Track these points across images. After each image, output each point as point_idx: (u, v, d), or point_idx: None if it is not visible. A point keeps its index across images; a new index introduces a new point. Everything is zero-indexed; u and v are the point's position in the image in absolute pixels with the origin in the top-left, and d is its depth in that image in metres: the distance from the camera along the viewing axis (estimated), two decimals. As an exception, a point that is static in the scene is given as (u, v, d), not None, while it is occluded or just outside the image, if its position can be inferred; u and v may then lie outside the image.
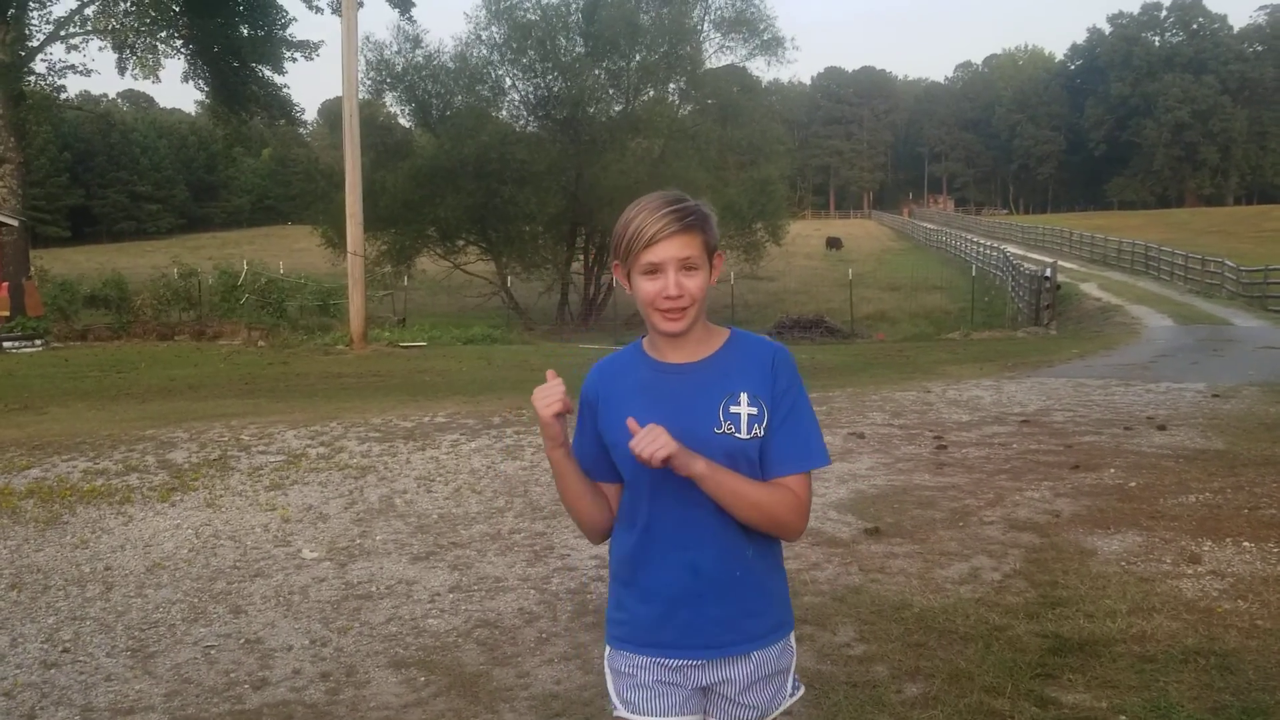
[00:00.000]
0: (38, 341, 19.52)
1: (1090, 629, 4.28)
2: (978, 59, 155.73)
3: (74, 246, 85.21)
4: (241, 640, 4.53)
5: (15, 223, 24.86)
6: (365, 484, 7.61)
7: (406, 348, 18.31)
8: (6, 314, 20.71)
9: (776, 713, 2.02)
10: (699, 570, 1.94)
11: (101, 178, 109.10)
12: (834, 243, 65.25)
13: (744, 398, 1.92)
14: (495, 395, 12.50)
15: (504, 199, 32.34)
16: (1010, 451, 8.44)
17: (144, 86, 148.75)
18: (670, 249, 1.89)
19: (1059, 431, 9.43)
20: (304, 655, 4.35)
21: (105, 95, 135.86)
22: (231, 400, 12.24)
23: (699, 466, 1.84)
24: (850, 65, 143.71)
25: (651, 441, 1.81)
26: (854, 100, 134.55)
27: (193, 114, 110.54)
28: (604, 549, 2.16)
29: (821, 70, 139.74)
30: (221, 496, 7.25)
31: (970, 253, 55.00)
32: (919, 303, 40.07)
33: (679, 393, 1.97)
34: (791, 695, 2.05)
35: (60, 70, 32.55)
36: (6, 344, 18.95)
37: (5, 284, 21.32)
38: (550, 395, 2.03)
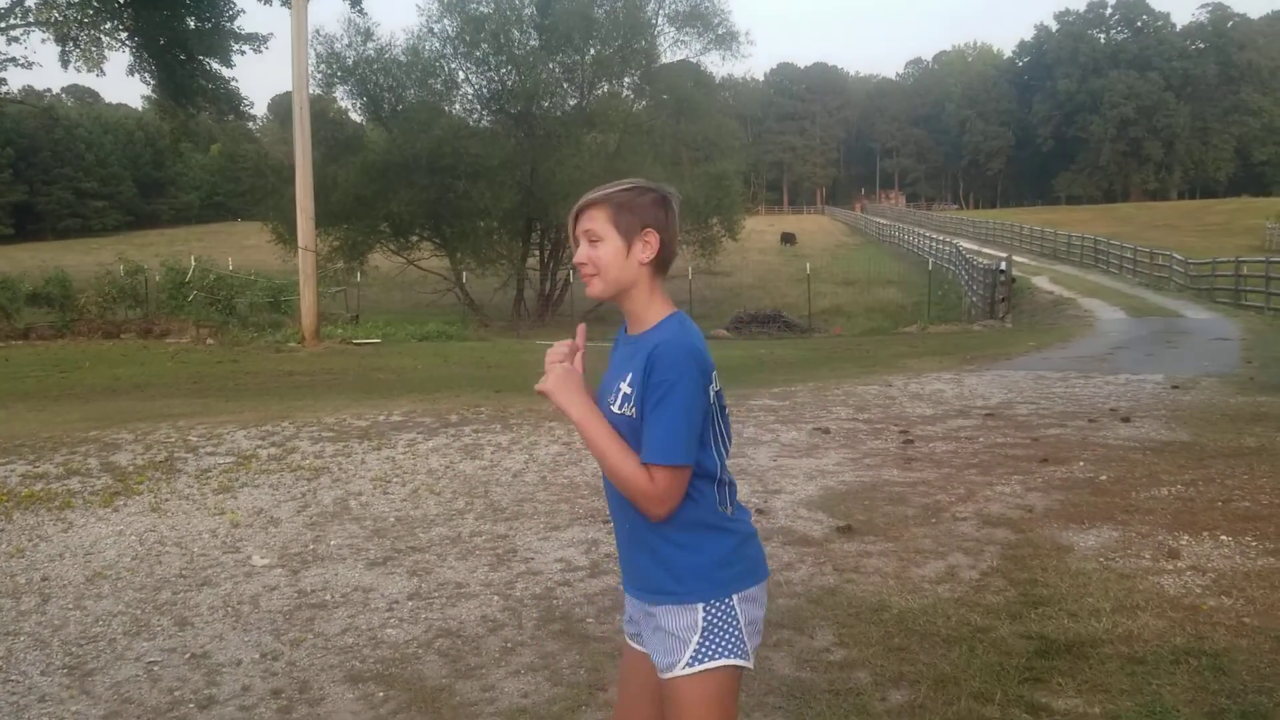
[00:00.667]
0: (-30, 343, 18.95)
1: (1076, 629, 4.15)
2: (928, 56, 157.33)
3: (17, 244, 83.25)
4: (187, 655, 4.27)
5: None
6: (318, 486, 7.34)
7: (360, 345, 17.97)
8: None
9: (673, 673, 2.09)
10: (622, 520, 2.20)
11: (45, 174, 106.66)
12: (788, 238, 65.43)
13: (629, 377, 2.08)
14: (452, 392, 12.24)
15: (458, 194, 31.98)
16: (977, 445, 8.34)
17: (89, 81, 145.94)
18: (581, 223, 2.15)
19: (1024, 425, 9.36)
20: (254, 670, 4.10)
21: (49, 90, 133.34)
22: (179, 400, 11.86)
23: (574, 411, 2.10)
24: (803, 61, 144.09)
25: (544, 377, 2.17)
26: (806, 96, 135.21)
27: (139, 109, 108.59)
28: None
29: (774, 66, 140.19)
30: (167, 501, 6.94)
31: (924, 248, 55.43)
32: (874, 297, 40.26)
33: (614, 361, 2.21)
34: (688, 666, 2.08)
35: (-1, 63, 31.23)
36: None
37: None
38: (557, 347, 2.24)
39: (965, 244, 48.52)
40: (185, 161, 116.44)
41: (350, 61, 36.37)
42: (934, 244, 53.69)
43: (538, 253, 37.36)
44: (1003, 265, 22.76)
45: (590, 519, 6.18)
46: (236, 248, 52.71)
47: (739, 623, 2.09)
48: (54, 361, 16.11)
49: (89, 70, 34.46)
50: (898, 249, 61.82)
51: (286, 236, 35.80)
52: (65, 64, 33.50)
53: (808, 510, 6.33)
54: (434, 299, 35.55)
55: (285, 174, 36.15)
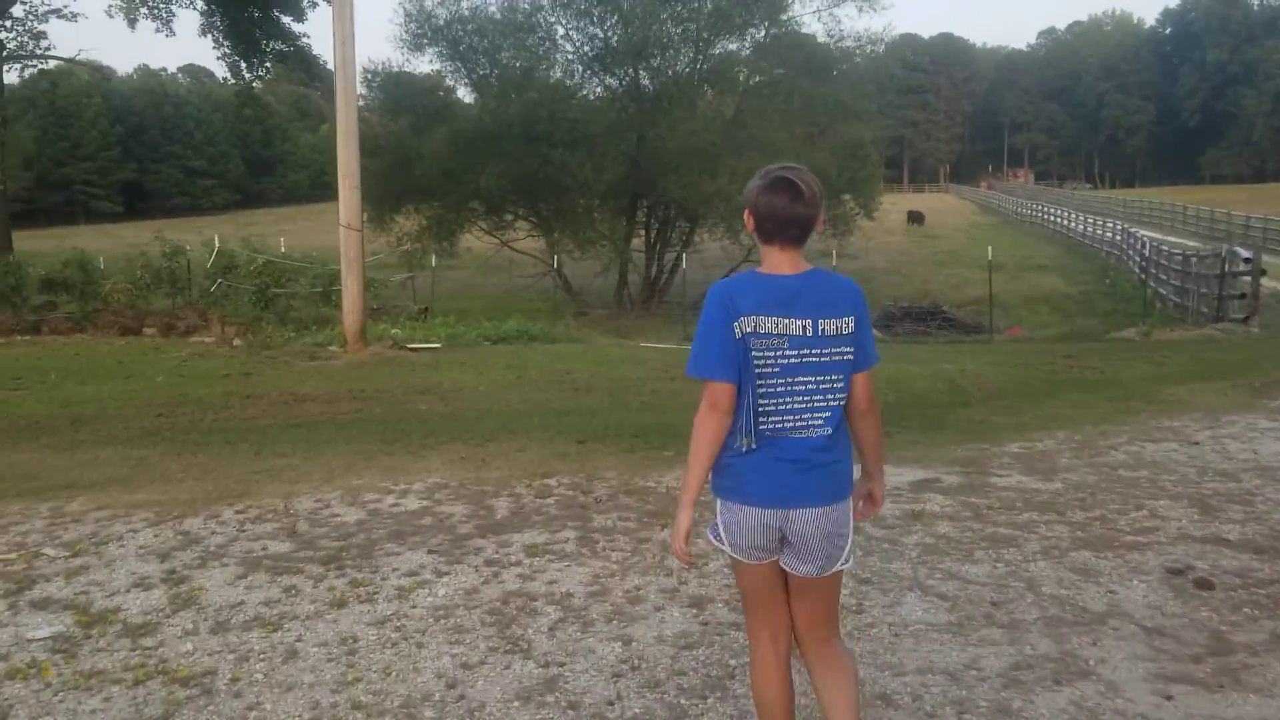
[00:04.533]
0: (-42, 338, 15.67)
1: None
2: (1061, 25, 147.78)
3: (126, 222, 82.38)
4: None
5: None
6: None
7: (415, 350, 14.03)
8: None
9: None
10: None
11: (154, 152, 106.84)
12: (915, 217, 59.98)
13: None
14: (514, 440, 8.15)
15: (555, 166, 27.90)
16: None
17: (205, 61, 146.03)
18: None
19: None
20: None
21: (164, 69, 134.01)
22: (113, 449, 8.03)
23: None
24: (927, 32, 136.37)
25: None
26: (930, 68, 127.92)
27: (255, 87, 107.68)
28: None
29: (896, 36, 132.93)
30: None
31: (1074, 229, 49.61)
32: (1029, 284, 34.92)
33: None
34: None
35: (42, 15, 28.33)
36: (-85, 342, 15.10)
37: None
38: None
39: (1121, 225, 42.62)
40: (294, 141, 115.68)
41: (442, 21, 32.59)
42: (1085, 225, 47.91)
43: (643, 233, 33.11)
44: (1245, 254, 17.68)
45: None
46: (333, 226, 49.78)
47: (717, 515, 2.80)
48: (17, 369, 12.54)
49: (159, 30, 31.45)
50: (1041, 230, 55.95)
51: (370, 213, 32.37)
52: (132, 22, 30.48)
53: None
54: (529, 283, 31.67)
55: (368, 145, 32.66)
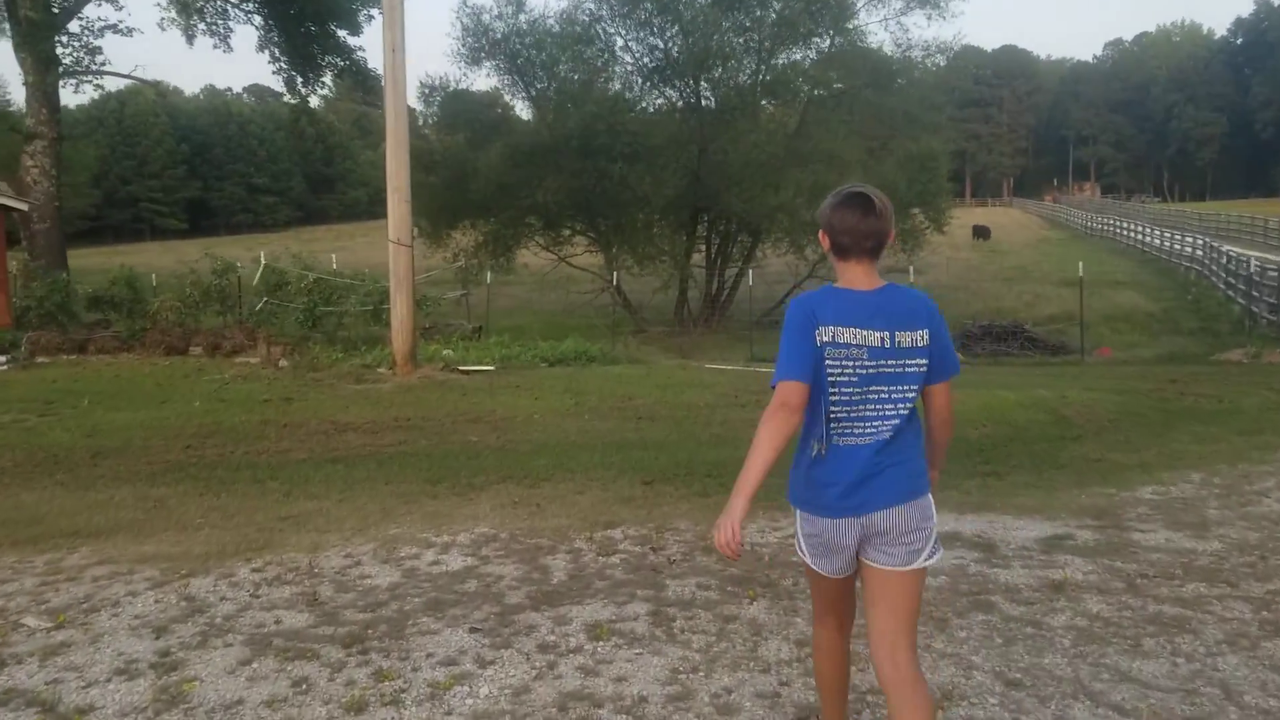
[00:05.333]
0: (1, 358, 15.13)
1: None
2: (1128, 36, 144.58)
3: (191, 239, 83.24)
4: None
5: (25, 207, 20.71)
6: None
7: (467, 372, 13.22)
8: (-13, 322, 16.48)
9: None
10: None
11: (219, 170, 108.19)
12: (981, 232, 58.35)
13: None
14: (572, 479, 7.27)
15: (613, 180, 27.10)
16: None
17: (269, 80, 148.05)
18: None
19: None
20: None
21: (229, 89, 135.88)
22: (131, 488, 7.28)
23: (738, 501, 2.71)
24: (989, 44, 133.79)
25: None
26: (993, 81, 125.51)
27: (316, 105, 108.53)
28: None
29: (958, 49, 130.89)
30: None
31: (1148, 243, 47.75)
32: (1107, 301, 33.39)
33: None
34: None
35: (98, 30, 28.14)
36: (-46, 362, 14.62)
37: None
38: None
39: (1204, 240, 40.79)
40: (355, 159, 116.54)
41: (499, 34, 32.04)
42: (1162, 239, 46.05)
43: (704, 248, 32.15)
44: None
45: None
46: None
47: (798, 526, 2.90)
48: (54, 391, 11.97)
49: (216, 46, 31.22)
50: (1112, 244, 54.01)
51: (428, 230, 31.89)
52: (190, 39, 30.23)
53: None
54: (588, 299, 30.90)
55: (425, 161, 32.20)
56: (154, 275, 20.58)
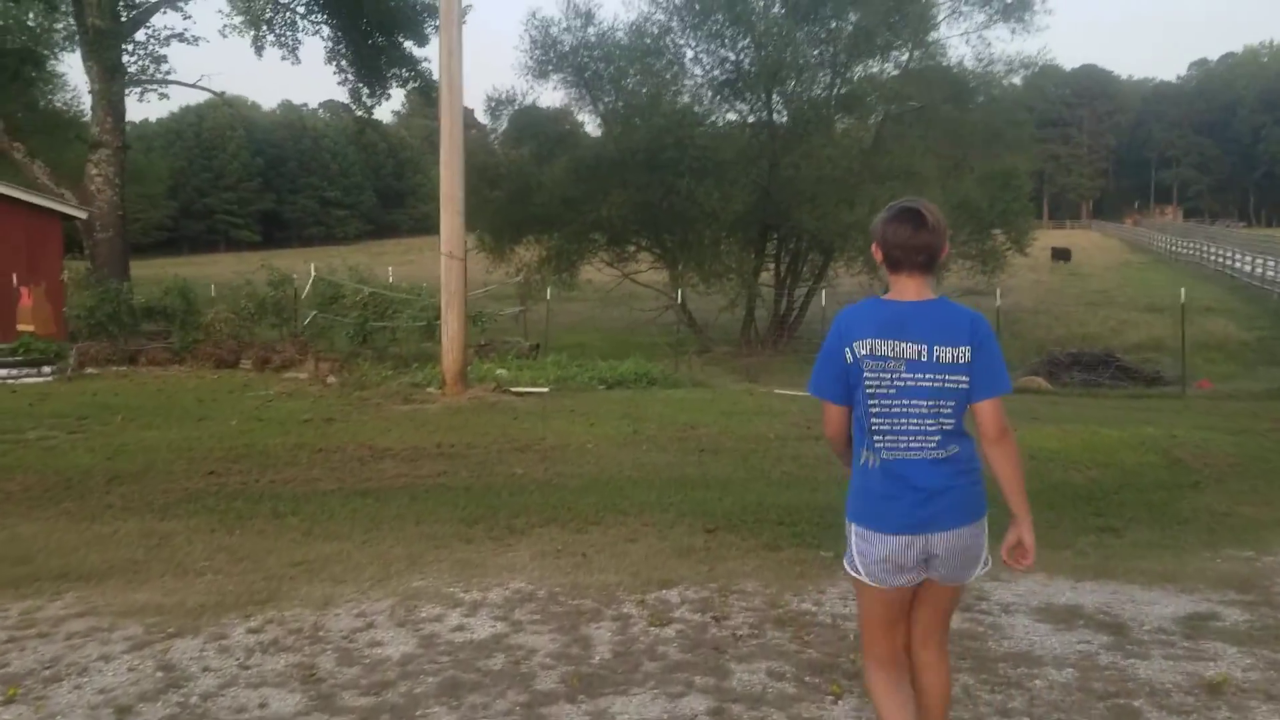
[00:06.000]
0: (46, 369, 14.74)
1: None
2: (1213, 57, 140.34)
3: (264, 250, 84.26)
4: None
5: (84, 215, 20.49)
6: None
7: (520, 394, 12.47)
8: (31, 328, 16.09)
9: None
10: None
11: (292, 183, 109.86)
12: (1061, 254, 56.62)
13: None
14: (624, 525, 6.44)
15: (681, 195, 26.30)
16: None
17: (341, 95, 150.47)
18: None
19: None
20: None
21: (305, 104, 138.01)
22: (138, 520, 6.62)
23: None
24: (1068, 64, 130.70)
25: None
26: (1073, 101, 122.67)
27: (389, 121, 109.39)
28: None
29: (1036, 69, 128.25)
30: None
31: (1237, 268, 45.64)
32: (1197, 328, 31.77)
33: None
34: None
35: (164, 38, 28.11)
36: (-2, 372, 14.23)
37: (27, 290, 16.68)
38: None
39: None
40: (425, 173, 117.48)
41: (567, 47, 31.51)
42: (1252, 265, 43.94)
43: (773, 265, 31.18)
44: None
45: None
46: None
47: (851, 542, 2.88)
48: (92, 405, 11.52)
49: (284, 58, 31.15)
50: (1199, 269, 51.87)
51: (490, 244, 31.38)
52: (259, 50, 30.13)
53: None
54: (652, 316, 30.10)
55: (489, 174, 31.73)
56: (213, 286, 20.19)
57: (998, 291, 20.78)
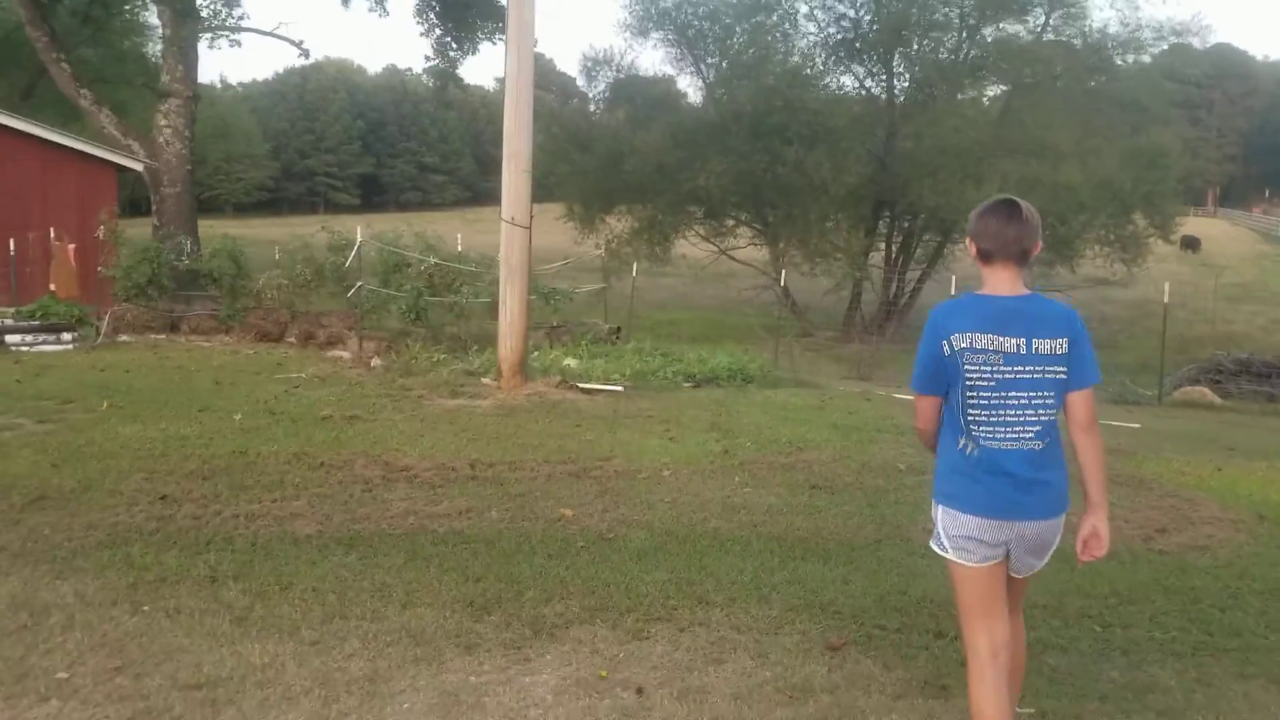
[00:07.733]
0: (67, 337, 13.17)
1: None
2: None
3: (361, 214, 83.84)
4: None
5: (139, 167, 19.00)
6: None
7: (589, 391, 10.41)
8: (53, 288, 14.57)
9: None
10: None
11: (391, 147, 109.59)
12: (1190, 243, 52.84)
13: None
14: (705, 625, 4.32)
15: (788, 164, 23.94)
16: None
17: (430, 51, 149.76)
18: None
19: None
20: None
21: (409, 69, 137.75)
22: (22, 576, 4.70)
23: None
24: (1199, 43, 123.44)
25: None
26: (1204, 82, 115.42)
27: (489, 89, 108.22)
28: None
29: (1165, 47, 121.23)
30: None
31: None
32: (1364, 332, 28.45)
33: None
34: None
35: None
36: (8, 339, 12.65)
37: (73, 246, 15.19)
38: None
39: None
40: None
41: (670, 3, 29.33)
42: None
43: (884, 246, 28.60)
44: None
45: None
46: (546, 225, 47.29)
47: (939, 522, 2.92)
48: (91, 383, 9.74)
49: (372, 9, 29.56)
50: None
51: (579, 213, 29.48)
52: (345, 1, 28.60)
53: None
54: (749, 297, 27.84)
55: (580, 137, 29.70)
56: (276, 249, 18.55)
57: (1166, 287, 17.92)
